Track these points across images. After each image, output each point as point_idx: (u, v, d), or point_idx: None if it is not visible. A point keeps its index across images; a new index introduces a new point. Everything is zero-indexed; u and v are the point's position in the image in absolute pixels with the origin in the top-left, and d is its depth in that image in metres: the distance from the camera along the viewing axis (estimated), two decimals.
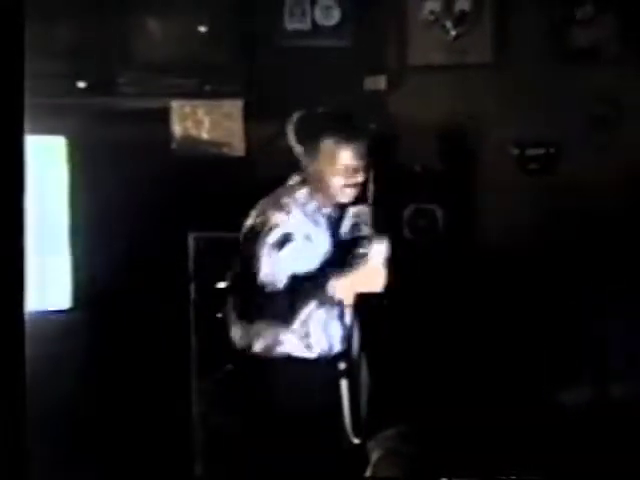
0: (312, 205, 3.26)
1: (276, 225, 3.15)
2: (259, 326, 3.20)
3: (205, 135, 4.70)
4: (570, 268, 4.54)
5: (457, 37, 4.79)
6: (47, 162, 4.26)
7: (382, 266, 3.15)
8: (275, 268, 3.11)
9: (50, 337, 4.16)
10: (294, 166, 3.35)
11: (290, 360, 3.25)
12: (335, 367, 3.31)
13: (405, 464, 2.82)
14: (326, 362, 3.30)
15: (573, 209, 4.62)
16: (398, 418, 3.14)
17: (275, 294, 3.10)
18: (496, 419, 3.49)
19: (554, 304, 4.53)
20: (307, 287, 3.12)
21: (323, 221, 3.27)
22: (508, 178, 4.77)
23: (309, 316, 3.18)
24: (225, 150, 4.70)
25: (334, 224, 3.30)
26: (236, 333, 3.29)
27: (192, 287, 4.45)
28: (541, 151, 4.77)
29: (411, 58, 4.85)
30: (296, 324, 3.17)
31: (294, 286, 3.11)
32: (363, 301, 3.30)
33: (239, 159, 4.70)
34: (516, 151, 4.80)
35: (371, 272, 3.15)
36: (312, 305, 3.13)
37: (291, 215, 3.19)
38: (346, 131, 3.21)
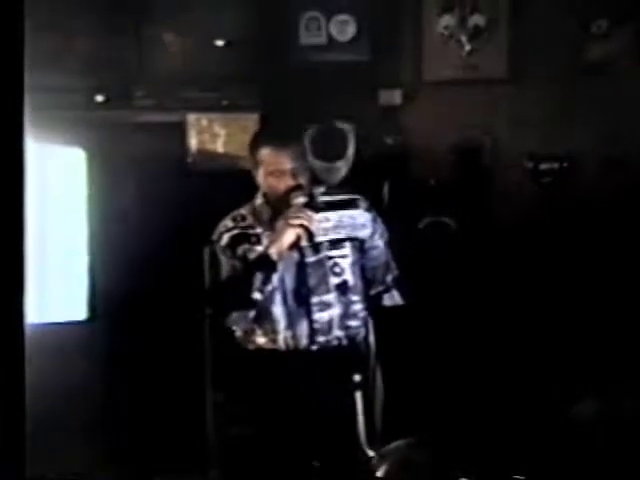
0: (266, 213, 3.44)
1: (227, 230, 3.44)
2: (235, 320, 3.44)
3: (221, 148, 4.73)
4: (584, 280, 4.55)
5: (472, 52, 4.81)
6: (66, 174, 4.30)
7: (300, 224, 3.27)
8: (230, 263, 3.39)
9: (65, 348, 4.20)
10: (309, 178, 3.43)
11: (265, 356, 3.35)
12: (350, 379, 3.34)
13: (417, 473, 2.83)
14: (341, 374, 3.33)
15: (587, 223, 4.63)
16: (412, 429, 3.15)
17: (227, 281, 3.40)
18: (509, 428, 3.50)
19: (568, 316, 4.54)
20: (251, 264, 3.33)
21: (278, 225, 3.35)
22: (522, 192, 4.79)
23: (273, 311, 3.35)
24: (241, 163, 4.72)
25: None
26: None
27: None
28: (555, 165, 4.78)
29: (426, 73, 4.88)
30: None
31: (241, 268, 3.37)
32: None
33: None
34: (530, 165, 4.81)
35: (292, 232, 3.28)
36: (259, 276, 3.28)
37: (243, 222, 3.45)
38: (278, 137, 3.36)
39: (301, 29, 4.86)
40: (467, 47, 4.81)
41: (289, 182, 3.35)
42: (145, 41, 4.69)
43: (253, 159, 3.45)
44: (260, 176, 3.43)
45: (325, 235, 3.40)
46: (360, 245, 3.48)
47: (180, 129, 4.70)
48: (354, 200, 3.52)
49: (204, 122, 4.71)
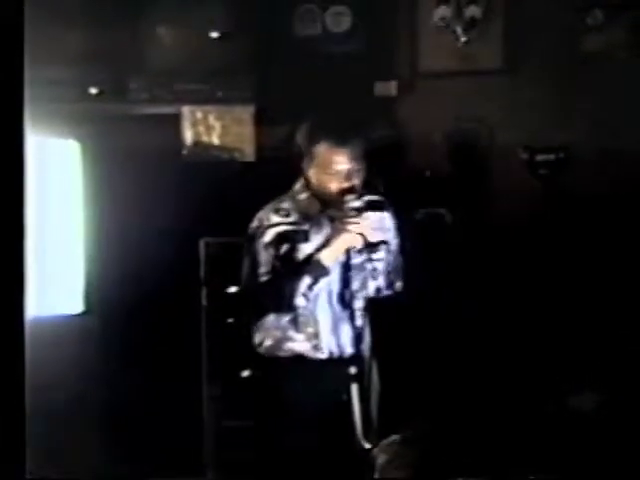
0: (313, 208, 3.30)
1: (271, 225, 3.26)
2: (268, 321, 3.29)
3: (216, 140, 4.72)
4: (580, 273, 4.55)
5: (467, 43, 4.81)
6: (61, 166, 4.29)
7: (359, 232, 3.20)
8: (272, 262, 3.23)
9: (61, 341, 4.19)
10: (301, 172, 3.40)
11: (302, 362, 3.28)
12: (346, 371, 3.33)
13: (412, 468, 2.83)
14: (337, 366, 3.32)
15: (583, 214, 4.62)
16: (409, 423, 3.15)
17: (270, 281, 3.21)
18: (506, 423, 3.50)
19: (563, 308, 4.54)
20: (297, 266, 3.21)
21: (326, 223, 3.30)
22: (518, 183, 4.78)
23: (317, 315, 3.26)
24: (236, 155, 4.71)
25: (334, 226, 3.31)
26: (254, 336, 3.36)
27: (203, 292, 4.47)
28: (551, 156, 4.78)
29: (422, 64, 4.88)
30: (306, 323, 3.24)
31: (286, 270, 3.21)
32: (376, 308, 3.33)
33: (250, 164, 4.72)
34: (526, 156, 4.81)
35: (350, 239, 3.20)
36: (307, 280, 3.16)
37: (288, 218, 3.26)
38: (339, 135, 3.25)
39: (296, 20, 4.85)
40: (463, 38, 4.80)
41: (343, 183, 3.23)
42: (139, 34, 4.68)
43: (307, 150, 3.30)
44: (311, 170, 3.30)
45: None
46: (387, 249, 3.42)
47: (175, 121, 4.69)
48: (381, 202, 3.36)
49: (199, 114, 4.71)
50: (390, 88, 4.86)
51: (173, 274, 4.39)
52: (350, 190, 3.22)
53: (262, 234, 3.26)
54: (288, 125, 4.81)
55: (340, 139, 3.24)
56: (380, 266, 3.36)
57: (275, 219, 3.28)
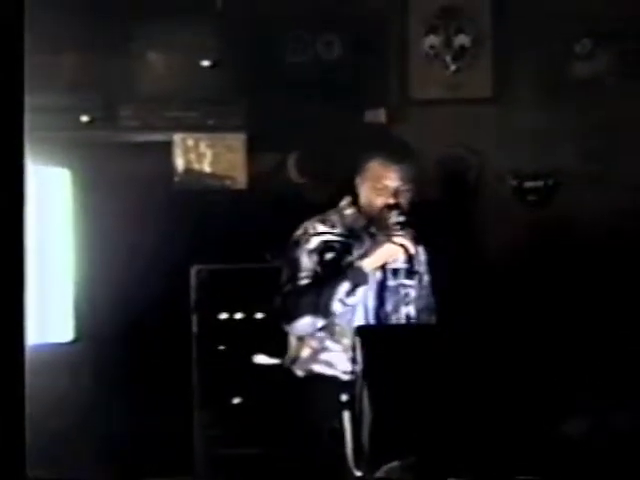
0: (358, 224, 3.35)
1: (316, 234, 3.35)
2: (304, 329, 3.34)
3: (207, 168, 4.73)
4: (568, 300, 4.56)
5: (457, 71, 4.84)
6: (51, 194, 4.28)
7: (401, 243, 3.26)
8: (313, 268, 3.31)
9: (52, 369, 4.17)
10: (298, 197, 3.45)
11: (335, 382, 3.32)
12: (338, 398, 3.33)
13: None
14: (329, 393, 3.32)
15: (571, 241, 4.64)
16: (401, 451, 3.15)
17: (310, 285, 3.29)
18: (501, 450, 3.50)
19: (552, 335, 4.54)
20: (337, 271, 3.28)
21: (367, 239, 3.34)
22: (506, 210, 4.80)
23: (353, 326, 3.26)
24: (227, 183, 4.72)
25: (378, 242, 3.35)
26: (288, 354, 3.39)
27: (194, 319, 4.46)
28: (539, 183, 4.81)
29: (411, 92, 4.90)
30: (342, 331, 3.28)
31: (326, 274, 3.29)
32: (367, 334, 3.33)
33: (241, 192, 4.73)
34: (514, 183, 4.83)
35: (392, 249, 3.27)
36: (346, 286, 3.20)
37: (333, 229, 3.36)
38: (392, 152, 3.31)
39: (287, 48, 4.87)
40: (452, 67, 4.83)
41: (389, 199, 3.32)
42: (130, 62, 4.70)
43: (360, 166, 3.40)
44: (361, 185, 3.40)
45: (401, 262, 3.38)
46: (419, 278, 3.47)
47: (166, 149, 4.69)
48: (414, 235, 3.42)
49: (190, 142, 4.71)
50: (380, 116, 4.88)
51: (164, 301, 4.38)
52: (395, 207, 3.28)
53: (307, 241, 3.35)
54: (279, 152, 4.86)
55: (393, 156, 3.33)
56: (412, 293, 3.40)
57: (321, 228, 3.37)
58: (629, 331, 4.31)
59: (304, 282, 3.31)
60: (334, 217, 3.43)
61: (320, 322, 3.32)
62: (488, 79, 4.82)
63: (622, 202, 4.58)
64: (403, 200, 3.34)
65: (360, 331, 3.43)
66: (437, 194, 4.81)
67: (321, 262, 3.32)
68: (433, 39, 4.84)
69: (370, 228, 3.38)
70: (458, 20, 4.83)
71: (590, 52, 4.71)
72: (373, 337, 3.50)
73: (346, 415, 3.32)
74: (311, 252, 3.34)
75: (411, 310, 3.43)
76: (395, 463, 2.99)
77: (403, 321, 3.42)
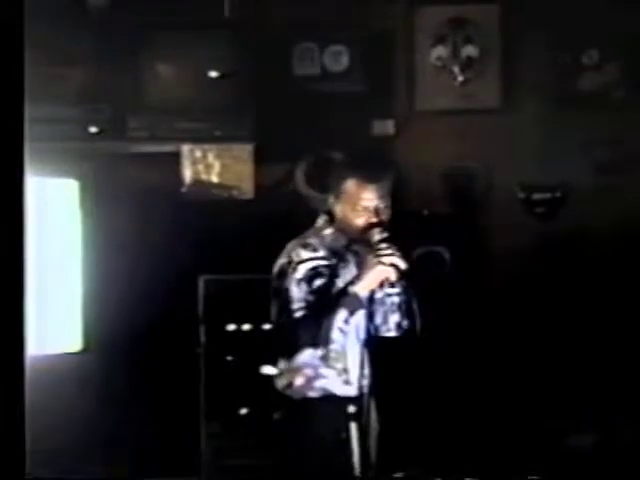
0: (339, 243, 3.32)
1: (302, 261, 3.24)
2: (300, 360, 3.26)
3: (215, 179, 4.74)
4: (576, 310, 4.56)
5: (464, 82, 4.84)
6: (60, 205, 4.30)
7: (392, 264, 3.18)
8: (305, 298, 3.20)
9: (61, 379, 4.19)
10: (303, 208, 3.42)
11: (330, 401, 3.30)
12: (345, 410, 3.33)
13: None
14: (337, 405, 3.32)
15: (579, 253, 4.64)
16: (407, 462, 3.15)
17: (306, 317, 3.19)
18: (505, 462, 3.50)
19: (559, 345, 4.54)
20: (333, 299, 3.20)
21: (350, 258, 3.31)
22: (515, 222, 4.80)
23: (347, 350, 3.25)
24: (235, 193, 4.73)
25: (361, 261, 3.32)
26: (279, 378, 3.34)
27: (202, 329, 4.47)
28: (547, 195, 4.80)
29: (419, 103, 4.91)
30: (338, 361, 3.24)
31: (321, 304, 3.20)
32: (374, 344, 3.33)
33: (249, 202, 4.73)
34: (523, 195, 4.83)
35: (384, 271, 3.19)
36: (343, 314, 3.18)
37: (317, 253, 3.27)
38: (368, 172, 3.27)
39: (295, 60, 4.88)
40: (460, 77, 4.83)
41: (371, 219, 3.23)
42: (139, 73, 4.71)
43: (335, 187, 3.30)
44: (338, 206, 3.30)
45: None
46: (401, 284, 3.43)
47: (174, 160, 4.70)
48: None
49: (198, 153, 4.72)
50: (388, 127, 4.89)
51: (172, 312, 4.39)
52: (378, 225, 3.25)
53: (294, 270, 3.24)
54: (287, 163, 4.87)
55: (369, 175, 3.26)
56: (397, 300, 3.38)
57: (305, 255, 3.27)
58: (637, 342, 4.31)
59: (299, 314, 3.21)
60: (314, 240, 3.31)
61: (320, 352, 3.29)
62: (496, 90, 4.82)
63: (630, 214, 4.57)
64: (384, 217, 3.29)
65: (367, 344, 3.44)
66: (445, 205, 4.82)
67: (312, 291, 3.22)
68: (441, 50, 4.84)
69: (352, 246, 3.33)
70: (466, 31, 4.83)
71: (598, 63, 4.71)
72: (380, 349, 3.50)
73: (353, 426, 3.32)
74: (300, 281, 3.23)
75: (397, 317, 3.41)
76: (399, 473, 2.99)
77: (393, 330, 3.40)
